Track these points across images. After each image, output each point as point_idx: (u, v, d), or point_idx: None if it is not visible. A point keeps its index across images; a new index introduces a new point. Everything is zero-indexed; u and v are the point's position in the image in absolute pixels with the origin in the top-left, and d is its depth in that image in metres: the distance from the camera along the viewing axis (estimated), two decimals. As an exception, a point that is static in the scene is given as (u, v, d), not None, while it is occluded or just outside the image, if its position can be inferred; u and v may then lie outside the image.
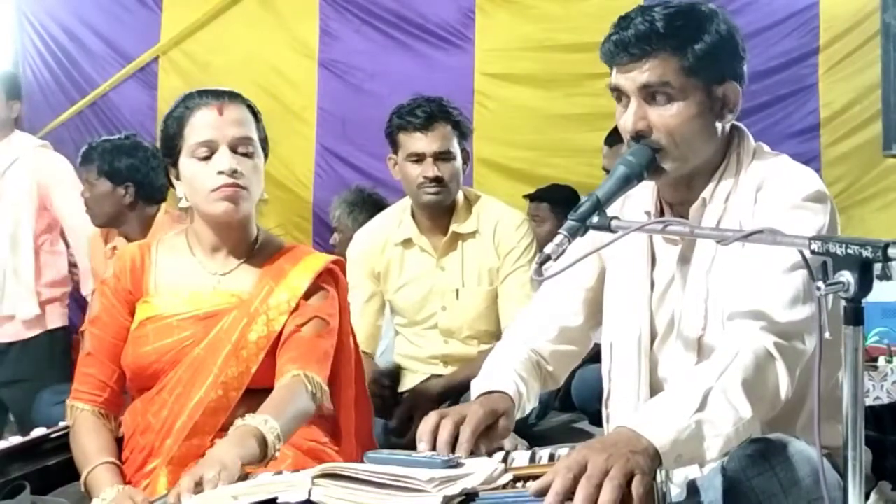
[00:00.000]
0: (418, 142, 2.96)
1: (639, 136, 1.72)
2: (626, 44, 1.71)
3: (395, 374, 3.12)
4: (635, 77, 1.71)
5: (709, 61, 1.71)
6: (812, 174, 1.77)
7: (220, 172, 1.96)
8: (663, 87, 1.70)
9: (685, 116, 1.71)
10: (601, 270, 1.94)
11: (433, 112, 2.96)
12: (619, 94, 1.76)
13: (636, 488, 1.35)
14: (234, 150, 1.98)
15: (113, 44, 4.97)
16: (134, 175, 3.41)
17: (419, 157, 2.96)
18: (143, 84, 4.96)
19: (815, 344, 1.61)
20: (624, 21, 1.74)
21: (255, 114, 2.06)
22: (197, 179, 1.99)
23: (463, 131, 3.03)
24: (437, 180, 2.95)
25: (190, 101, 2.03)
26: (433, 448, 1.61)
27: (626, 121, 1.74)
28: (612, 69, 1.77)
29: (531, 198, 4.33)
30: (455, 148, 2.99)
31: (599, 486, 1.34)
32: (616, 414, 1.87)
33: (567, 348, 1.96)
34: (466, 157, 3.07)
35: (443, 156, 2.96)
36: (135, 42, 4.95)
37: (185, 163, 2.01)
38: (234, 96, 2.04)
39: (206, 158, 1.98)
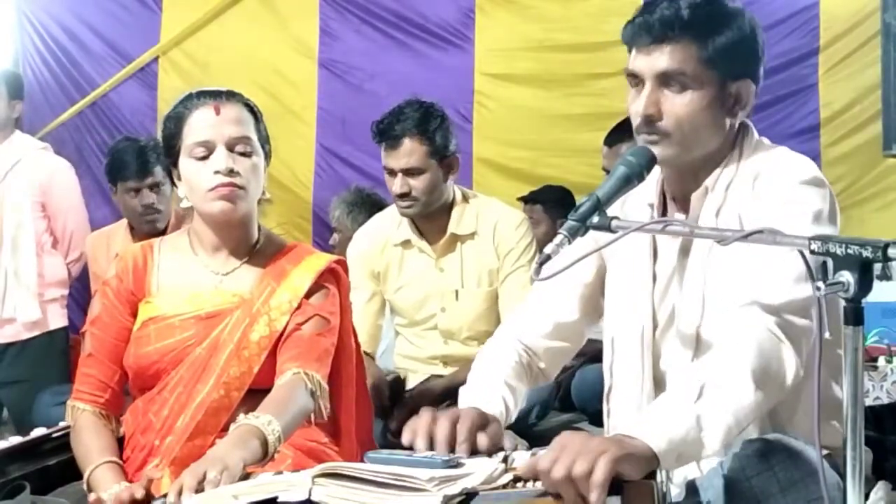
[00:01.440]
0: (387, 158, 3.00)
1: (648, 121, 1.73)
2: (649, 26, 1.73)
3: (396, 385, 3.11)
4: (654, 61, 1.73)
5: (728, 56, 1.73)
6: (808, 162, 1.77)
7: (217, 172, 1.96)
8: (679, 75, 1.72)
9: (696, 106, 1.73)
10: (599, 267, 1.94)
11: (404, 127, 2.97)
12: (632, 78, 1.78)
13: (601, 461, 1.33)
14: (231, 149, 1.98)
15: (113, 44, 4.97)
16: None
17: (391, 172, 3.00)
18: (143, 84, 4.96)
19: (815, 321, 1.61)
20: (650, 6, 1.76)
21: (254, 113, 2.06)
22: (194, 179, 1.99)
23: (439, 144, 3.00)
24: (405, 195, 2.98)
25: (188, 102, 2.03)
26: (430, 446, 1.61)
27: (638, 104, 1.75)
28: (630, 51, 1.78)
29: (525, 200, 4.34)
30: (426, 162, 2.98)
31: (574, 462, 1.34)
32: (617, 409, 1.87)
33: (561, 344, 1.96)
34: (453, 164, 3.05)
35: (411, 172, 2.97)
36: (135, 42, 4.95)
37: (184, 163, 2.01)
38: (231, 95, 2.04)
39: (204, 158, 1.98)
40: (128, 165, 3.61)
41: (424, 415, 1.65)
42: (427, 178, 2.98)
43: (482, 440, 1.62)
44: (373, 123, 3.06)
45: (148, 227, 3.63)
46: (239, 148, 1.99)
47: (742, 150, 1.80)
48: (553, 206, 4.18)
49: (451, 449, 1.60)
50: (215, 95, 2.02)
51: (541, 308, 1.97)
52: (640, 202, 1.86)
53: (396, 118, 3.00)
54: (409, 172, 2.97)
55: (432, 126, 3.00)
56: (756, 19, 1.79)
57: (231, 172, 1.96)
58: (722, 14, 1.75)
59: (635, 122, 1.77)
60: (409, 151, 2.97)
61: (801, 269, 1.60)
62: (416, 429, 1.63)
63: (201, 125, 1.99)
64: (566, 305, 1.95)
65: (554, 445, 1.39)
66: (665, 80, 1.73)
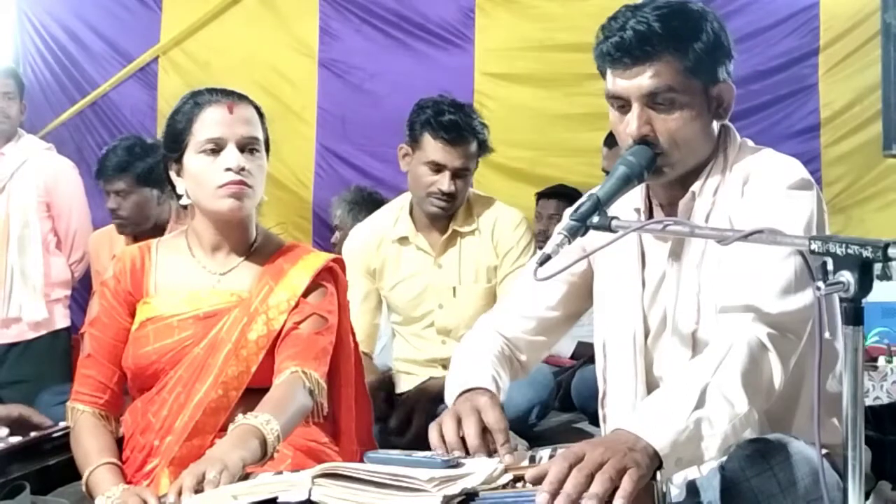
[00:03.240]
0: (443, 153, 2.92)
1: (644, 141, 1.72)
2: (627, 47, 1.70)
3: (388, 381, 3.10)
4: (640, 84, 1.71)
5: (707, 61, 1.72)
6: (795, 163, 1.77)
7: (228, 169, 1.97)
8: (667, 92, 1.70)
9: (687, 119, 1.72)
10: (586, 269, 1.94)
11: (463, 128, 2.92)
12: (615, 99, 1.76)
13: (626, 481, 1.35)
14: (241, 148, 1.99)
15: (113, 44, 4.97)
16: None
17: (438, 168, 2.94)
18: (143, 84, 4.96)
19: (807, 334, 1.62)
20: (616, 23, 1.73)
21: (260, 115, 2.08)
22: (203, 175, 1.99)
23: (484, 148, 3.00)
24: (451, 195, 2.94)
25: (200, 98, 2.03)
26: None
27: (630, 127, 1.73)
28: (605, 73, 1.77)
29: (541, 195, 4.32)
30: (474, 165, 2.98)
31: (591, 477, 1.34)
32: (613, 414, 1.87)
33: (541, 339, 1.97)
34: (475, 165, 3.07)
35: (462, 172, 2.94)
36: (135, 42, 4.95)
37: (192, 159, 2.01)
38: (242, 96, 2.06)
39: (213, 154, 1.99)
40: (104, 168, 3.61)
41: (433, 428, 1.66)
42: (469, 178, 2.99)
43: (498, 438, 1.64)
44: (421, 108, 2.97)
45: (118, 230, 3.63)
46: (249, 147, 2.01)
47: (727, 154, 1.80)
48: (570, 202, 4.15)
49: (466, 451, 1.60)
50: (227, 94, 2.04)
51: (522, 302, 1.98)
52: (626, 207, 1.85)
53: (453, 114, 2.92)
54: (458, 172, 2.94)
55: (483, 131, 2.98)
56: (719, 17, 1.78)
57: (241, 171, 1.97)
58: (692, 18, 1.73)
59: (626, 143, 1.75)
60: (468, 152, 2.93)
61: (794, 279, 1.61)
62: (432, 443, 1.64)
63: (214, 122, 2.00)
64: (550, 299, 1.96)
65: (559, 460, 1.38)
66: (653, 98, 1.71)
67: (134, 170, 3.54)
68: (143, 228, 3.59)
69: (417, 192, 3.01)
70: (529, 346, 1.96)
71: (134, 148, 3.63)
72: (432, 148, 2.94)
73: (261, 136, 2.05)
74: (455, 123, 2.91)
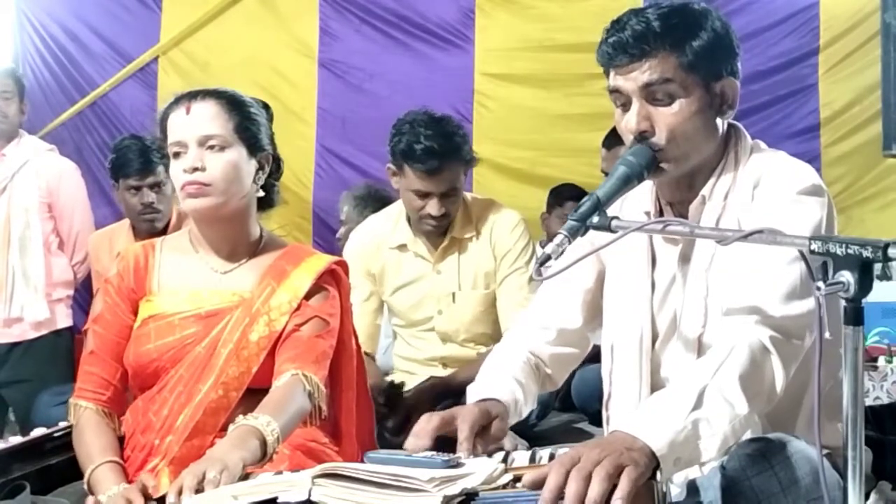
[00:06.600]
0: (426, 183, 2.88)
1: (642, 136, 1.72)
2: (623, 45, 1.71)
3: (393, 388, 3.08)
4: (636, 77, 1.71)
5: (707, 57, 1.72)
6: (807, 168, 1.77)
7: (185, 171, 1.99)
8: (665, 85, 1.70)
9: (687, 114, 1.72)
10: (600, 272, 1.94)
11: (443, 154, 2.85)
12: (618, 96, 1.76)
13: (624, 480, 1.35)
14: (202, 146, 2.00)
15: (113, 44, 4.97)
16: None
17: (425, 195, 2.91)
18: (143, 84, 4.96)
19: (811, 339, 1.62)
20: (618, 24, 1.74)
21: (237, 108, 2.05)
22: (173, 179, 2.04)
23: (469, 160, 2.97)
24: (442, 216, 2.92)
25: (168, 106, 2.07)
26: (430, 448, 1.61)
27: (629, 122, 1.74)
28: (608, 73, 1.77)
29: (557, 198, 4.29)
30: (461, 182, 2.94)
31: (589, 479, 1.34)
32: (616, 416, 1.87)
33: (566, 350, 1.96)
34: (468, 169, 3.05)
35: (449, 193, 2.92)
36: (135, 42, 4.95)
37: (170, 164, 2.04)
38: (207, 94, 2.05)
39: (180, 158, 2.01)
40: (130, 163, 3.62)
41: (423, 419, 1.65)
42: (459, 195, 2.96)
43: (481, 445, 1.62)
44: (399, 136, 2.92)
45: (146, 226, 3.63)
46: (209, 144, 2.00)
47: (737, 156, 1.79)
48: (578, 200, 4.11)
49: (438, 447, 1.60)
50: (191, 96, 2.05)
51: (544, 315, 1.97)
52: (636, 210, 1.85)
53: (431, 141, 2.84)
54: (446, 195, 2.91)
55: (464, 148, 2.93)
56: (723, 17, 1.78)
57: (195, 171, 1.98)
58: (692, 18, 1.73)
59: (627, 139, 1.75)
60: (451, 176, 2.89)
61: (798, 284, 1.61)
62: (415, 433, 1.63)
63: (175, 126, 2.02)
64: (569, 312, 1.95)
65: (556, 466, 1.38)
66: (652, 93, 1.71)
67: (164, 160, 3.56)
68: (166, 222, 3.61)
69: (410, 213, 3.00)
70: (554, 359, 1.94)
71: (145, 142, 3.63)
72: (414, 179, 2.90)
73: (224, 130, 2.01)
74: (433, 152, 2.84)
